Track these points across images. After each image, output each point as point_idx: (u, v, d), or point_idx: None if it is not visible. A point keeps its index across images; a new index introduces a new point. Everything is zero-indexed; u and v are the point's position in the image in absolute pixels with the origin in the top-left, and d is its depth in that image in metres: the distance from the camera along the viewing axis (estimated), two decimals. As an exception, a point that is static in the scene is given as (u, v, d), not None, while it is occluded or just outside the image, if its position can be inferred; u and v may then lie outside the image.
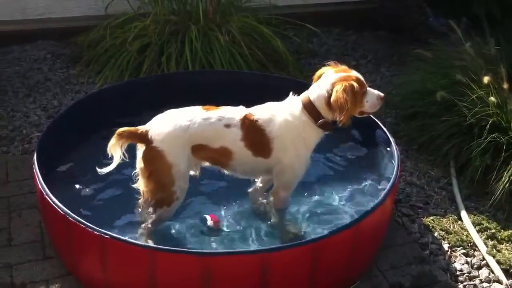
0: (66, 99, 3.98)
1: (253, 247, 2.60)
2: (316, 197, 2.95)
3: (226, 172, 2.72)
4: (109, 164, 2.57)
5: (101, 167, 2.58)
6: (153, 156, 2.52)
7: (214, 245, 2.64)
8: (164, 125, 2.54)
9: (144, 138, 2.53)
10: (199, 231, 2.70)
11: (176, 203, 2.60)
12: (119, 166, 3.01)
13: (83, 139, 3.21)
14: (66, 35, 4.58)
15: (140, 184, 2.61)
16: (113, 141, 2.51)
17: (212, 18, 4.29)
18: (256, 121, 2.58)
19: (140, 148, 2.57)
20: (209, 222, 2.72)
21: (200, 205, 2.86)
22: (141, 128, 2.55)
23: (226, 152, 2.57)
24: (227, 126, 2.55)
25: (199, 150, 2.56)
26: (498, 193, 3.09)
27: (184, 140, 2.52)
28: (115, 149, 2.51)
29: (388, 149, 3.03)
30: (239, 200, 2.88)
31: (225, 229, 2.73)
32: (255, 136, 2.57)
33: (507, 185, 3.09)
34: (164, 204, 2.59)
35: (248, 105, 2.72)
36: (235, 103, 2.81)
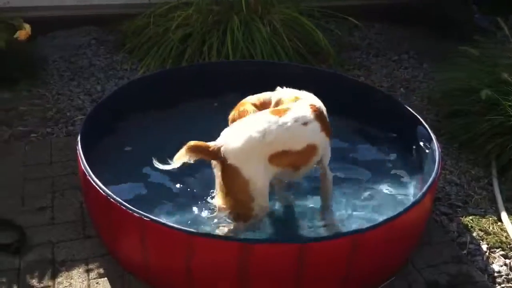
0: (109, 84, 4.06)
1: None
2: (354, 192, 2.93)
3: (288, 180, 2.71)
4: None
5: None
6: (230, 174, 2.41)
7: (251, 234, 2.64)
8: (237, 140, 2.41)
9: (216, 155, 2.41)
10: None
11: (253, 221, 2.53)
12: (161, 152, 3.07)
13: (125, 124, 3.26)
14: (110, 22, 4.66)
15: (218, 200, 2.52)
16: (182, 153, 2.39)
17: (254, 9, 4.30)
18: (319, 108, 2.59)
19: (216, 165, 2.47)
20: None
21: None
22: (212, 145, 2.43)
23: (311, 149, 2.53)
24: (305, 124, 2.50)
25: (278, 157, 2.47)
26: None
27: (259, 152, 2.42)
28: (181, 161, 2.41)
29: (429, 146, 2.98)
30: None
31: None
32: (325, 122, 2.58)
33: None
34: (241, 219, 2.52)
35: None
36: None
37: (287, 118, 2.48)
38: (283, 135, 2.45)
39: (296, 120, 2.49)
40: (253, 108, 2.66)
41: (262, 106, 2.71)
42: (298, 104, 2.60)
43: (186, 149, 2.39)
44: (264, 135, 2.42)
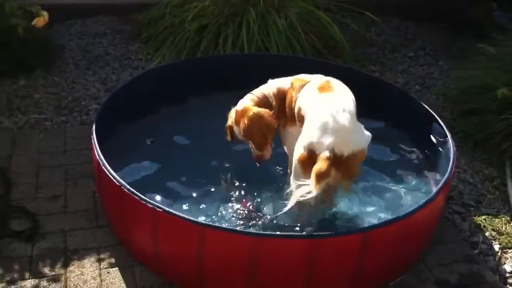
0: (124, 74, 4.07)
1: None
2: (368, 188, 2.92)
3: None
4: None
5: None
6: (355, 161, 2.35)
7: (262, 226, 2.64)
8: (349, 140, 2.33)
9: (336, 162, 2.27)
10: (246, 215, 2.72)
11: None
12: (175, 143, 3.08)
13: (139, 114, 3.27)
14: (126, 12, 4.67)
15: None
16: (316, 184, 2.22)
17: (271, 2, 4.28)
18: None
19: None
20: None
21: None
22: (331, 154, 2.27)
23: None
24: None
25: None
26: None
27: None
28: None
29: (444, 144, 2.96)
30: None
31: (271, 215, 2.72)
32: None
33: None
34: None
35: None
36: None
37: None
38: None
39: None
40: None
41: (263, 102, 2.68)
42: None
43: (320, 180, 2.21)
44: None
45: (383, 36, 4.81)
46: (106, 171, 2.55)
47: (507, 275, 2.72)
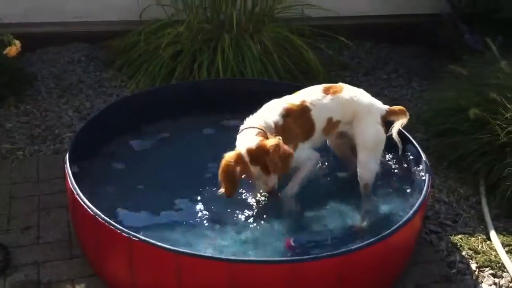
0: (98, 101, 4.04)
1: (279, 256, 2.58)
2: (342, 211, 2.92)
3: None
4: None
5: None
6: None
7: (243, 251, 2.62)
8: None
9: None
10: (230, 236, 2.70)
11: None
12: (150, 170, 3.06)
13: (115, 141, 3.24)
14: (101, 39, 4.66)
15: None
16: None
17: (245, 27, 4.32)
18: None
19: None
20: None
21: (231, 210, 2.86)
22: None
23: None
24: None
25: None
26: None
27: None
28: None
29: (419, 165, 2.99)
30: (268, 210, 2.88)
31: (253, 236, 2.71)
32: None
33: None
34: None
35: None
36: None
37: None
38: None
39: None
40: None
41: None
42: None
43: None
44: None
45: (356, 59, 4.88)
46: (80, 201, 2.51)
47: (485, 294, 2.74)
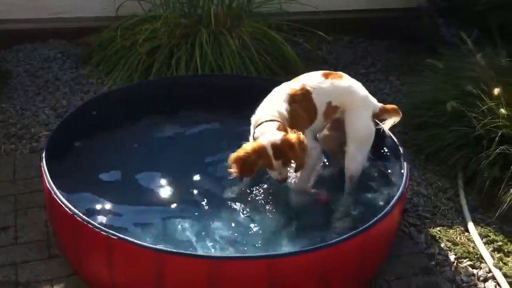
0: (75, 98, 3.99)
1: (261, 252, 2.58)
2: (321, 205, 2.93)
3: None
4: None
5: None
6: None
7: (223, 248, 2.62)
8: None
9: None
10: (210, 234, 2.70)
11: None
12: (129, 168, 3.04)
13: (92, 139, 3.21)
14: (77, 35, 4.60)
15: None
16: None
17: (223, 22, 4.29)
18: None
19: None
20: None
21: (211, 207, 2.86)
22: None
23: None
24: None
25: None
26: (504, 206, 3.08)
27: None
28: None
29: (397, 158, 3.01)
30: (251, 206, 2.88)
31: (236, 233, 2.72)
32: None
33: (515, 197, 3.08)
34: None
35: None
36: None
37: None
38: None
39: None
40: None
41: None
42: None
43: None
44: None
45: (334, 53, 4.89)
46: (58, 199, 2.48)
47: (464, 285, 2.77)
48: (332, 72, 2.96)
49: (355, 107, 2.91)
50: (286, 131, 2.63)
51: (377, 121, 2.99)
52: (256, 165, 2.61)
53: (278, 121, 2.66)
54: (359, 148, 2.91)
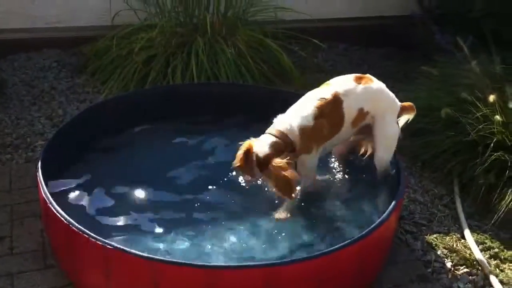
0: (71, 108, 3.99)
1: (259, 260, 2.57)
2: (318, 212, 2.93)
3: None
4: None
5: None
6: None
7: (219, 257, 2.61)
8: None
9: None
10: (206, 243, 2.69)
11: None
12: (125, 177, 3.03)
13: (88, 149, 3.21)
14: (73, 44, 4.60)
15: None
16: None
17: (219, 31, 4.31)
18: None
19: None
20: None
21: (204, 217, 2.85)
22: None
23: None
24: None
25: None
26: (500, 212, 3.08)
27: None
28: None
29: (393, 164, 3.02)
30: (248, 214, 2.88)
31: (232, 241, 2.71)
32: None
33: (510, 204, 3.08)
34: None
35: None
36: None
37: None
38: None
39: None
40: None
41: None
42: None
43: None
44: None
45: (330, 61, 4.91)
46: (53, 209, 2.48)
47: (461, 292, 2.77)
48: (362, 75, 2.89)
49: (385, 111, 2.89)
50: (279, 150, 2.63)
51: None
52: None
53: (277, 137, 2.66)
54: (388, 150, 2.93)
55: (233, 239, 2.70)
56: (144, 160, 3.21)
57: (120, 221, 2.78)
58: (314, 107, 2.73)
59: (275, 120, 2.76)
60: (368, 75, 2.93)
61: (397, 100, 2.98)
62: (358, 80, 2.84)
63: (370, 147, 3.08)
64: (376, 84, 2.90)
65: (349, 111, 2.79)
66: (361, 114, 2.84)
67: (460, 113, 3.44)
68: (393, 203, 2.66)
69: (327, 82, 2.88)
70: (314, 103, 2.74)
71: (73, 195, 2.89)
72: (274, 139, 2.67)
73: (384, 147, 2.92)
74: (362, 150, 3.12)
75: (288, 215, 2.79)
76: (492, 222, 3.11)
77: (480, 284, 2.81)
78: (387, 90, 2.94)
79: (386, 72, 4.76)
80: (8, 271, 2.67)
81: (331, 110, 2.74)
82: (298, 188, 2.85)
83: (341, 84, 2.82)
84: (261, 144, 2.67)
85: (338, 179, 3.12)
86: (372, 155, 3.05)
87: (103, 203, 2.89)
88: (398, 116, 3.00)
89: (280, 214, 2.80)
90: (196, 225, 2.76)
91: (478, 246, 3.01)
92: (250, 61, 4.17)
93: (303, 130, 2.71)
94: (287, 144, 2.69)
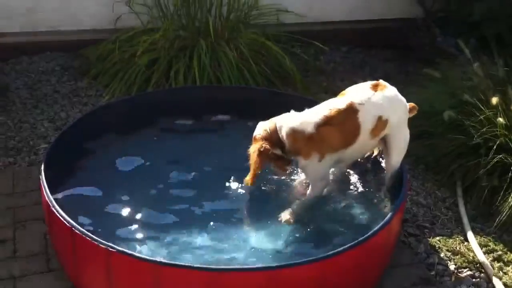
0: (73, 111, 3.99)
1: (260, 263, 2.57)
2: (321, 215, 2.93)
3: None
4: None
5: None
6: None
7: (221, 259, 2.61)
8: None
9: None
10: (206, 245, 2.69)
11: None
12: (127, 180, 3.03)
13: (91, 151, 3.21)
14: (75, 48, 4.60)
15: None
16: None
17: (221, 34, 4.31)
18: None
19: None
20: None
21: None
22: None
23: None
24: None
25: None
26: (503, 215, 3.08)
27: None
28: None
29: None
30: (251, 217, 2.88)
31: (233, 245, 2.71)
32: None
33: (514, 206, 3.08)
34: None
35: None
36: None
37: None
38: None
39: None
40: None
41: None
42: None
43: None
44: None
45: (332, 64, 4.91)
46: (56, 212, 2.48)
47: (464, 295, 2.76)
48: (377, 82, 2.85)
49: (400, 116, 2.86)
50: (271, 142, 2.75)
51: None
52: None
53: (267, 131, 2.76)
54: (401, 155, 2.92)
55: (234, 242, 2.70)
56: (147, 163, 3.21)
57: (123, 224, 2.78)
58: (322, 115, 2.72)
59: (282, 116, 2.81)
60: (381, 81, 2.88)
61: (407, 104, 2.94)
62: (375, 87, 2.80)
63: (376, 149, 3.07)
64: (391, 89, 2.86)
65: (366, 120, 2.73)
66: (381, 122, 2.77)
67: (463, 116, 3.44)
68: (395, 205, 2.66)
69: (343, 91, 2.86)
70: (324, 112, 2.72)
71: (76, 198, 2.89)
72: (265, 128, 2.78)
73: (398, 152, 2.90)
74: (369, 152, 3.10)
75: (293, 217, 2.80)
76: (495, 224, 3.11)
77: (483, 286, 2.81)
78: (400, 94, 2.91)
79: (388, 74, 4.77)
80: (11, 274, 2.67)
81: (341, 120, 2.71)
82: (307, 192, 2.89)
83: (357, 93, 2.78)
84: (257, 129, 2.83)
85: (341, 181, 3.11)
86: (376, 157, 3.04)
87: (106, 206, 2.89)
88: None
89: (286, 215, 2.80)
90: (199, 228, 2.76)
91: (481, 249, 3.00)
92: (253, 64, 4.18)
93: (294, 133, 2.72)
94: (275, 139, 2.75)
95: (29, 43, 4.57)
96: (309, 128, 2.71)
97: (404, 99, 2.91)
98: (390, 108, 2.80)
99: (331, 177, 3.00)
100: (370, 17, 5.11)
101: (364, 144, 2.82)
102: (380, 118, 2.76)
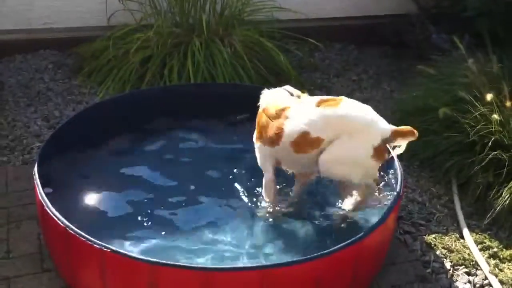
0: (67, 109, 3.97)
1: (255, 262, 2.56)
2: (316, 213, 2.92)
3: None
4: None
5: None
6: None
7: (216, 259, 2.60)
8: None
9: None
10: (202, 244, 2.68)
11: None
12: (122, 179, 3.01)
13: (84, 150, 3.19)
14: (69, 45, 4.58)
15: None
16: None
17: (215, 31, 4.29)
18: None
19: None
20: None
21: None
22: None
23: None
24: None
25: None
26: (496, 211, 3.08)
27: None
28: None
29: (391, 164, 3.01)
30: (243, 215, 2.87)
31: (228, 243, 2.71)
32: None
33: (507, 202, 3.07)
34: None
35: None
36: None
37: None
38: None
39: None
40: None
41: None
42: None
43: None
44: None
45: (327, 60, 4.90)
46: (50, 212, 2.46)
47: (460, 292, 2.77)
48: (328, 98, 2.69)
49: (352, 140, 2.73)
50: None
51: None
52: None
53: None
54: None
55: (229, 241, 2.70)
56: (142, 162, 3.20)
57: (118, 223, 2.78)
58: (283, 105, 2.72)
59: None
60: (338, 98, 2.68)
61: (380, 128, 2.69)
62: (319, 103, 2.62)
63: None
64: (343, 109, 2.63)
65: (291, 131, 2.65)
66: (309, 139, 2.60)
67: (457, 112, 3.43)
68: (390, 203, 2.66)
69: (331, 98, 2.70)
70: (287, 103, 2.73)
71: (70, 197, 2.87)
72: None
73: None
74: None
75: (270, 210, 2.83)
76: (487, 218, 3.10)
77: (479, 284, 2.81)
78: (363, 116, 2.68)
79: (383, 71, 4.78)
80: (5, 275, 2.65)
81: (274, 117, 2.69)
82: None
83: (302, 103, 2.72)
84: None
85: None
86: None
87: (100, 205, 2.88)
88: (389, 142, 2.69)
89: (261, 212, 2.84)
90: (194, 228, 2.76)
91: (477, 246, 3.01)
92: (247, 61, 4.16)
93: (263, 110, 2.79)
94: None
95: (22, 40, 4.54)
96: (270, 113, 2.74)
97: (371, 122, 2.64)
98: (327, 128, 2.58)
99: (291, 194, 2.96)
100: (364, 14, 5.10)
101: (293, 155, 2.66)
102: (306, 134, 2.59)
